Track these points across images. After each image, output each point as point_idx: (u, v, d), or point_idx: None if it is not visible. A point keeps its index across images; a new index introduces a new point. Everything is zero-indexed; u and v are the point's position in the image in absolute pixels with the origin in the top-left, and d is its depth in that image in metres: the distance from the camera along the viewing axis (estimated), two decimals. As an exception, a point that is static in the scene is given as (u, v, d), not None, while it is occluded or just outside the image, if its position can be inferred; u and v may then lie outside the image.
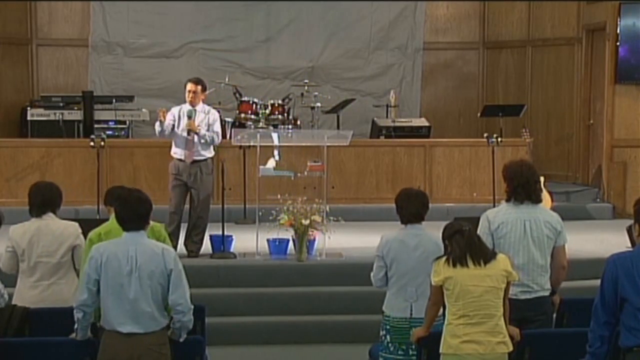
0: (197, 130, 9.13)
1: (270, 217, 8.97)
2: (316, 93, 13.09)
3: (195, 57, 14.67)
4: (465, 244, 5.32)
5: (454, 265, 5.30)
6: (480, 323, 5.26)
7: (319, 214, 8.95)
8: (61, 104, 13.26)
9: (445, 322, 5.35)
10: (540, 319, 5.98)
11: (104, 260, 5.29)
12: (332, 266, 9.10)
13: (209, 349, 6.15)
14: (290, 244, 9.20)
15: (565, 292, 6.56)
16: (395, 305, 5.97)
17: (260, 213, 9.15)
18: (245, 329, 8.48)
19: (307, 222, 8.86)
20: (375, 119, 13.65)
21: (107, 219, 6.29)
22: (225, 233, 9.25)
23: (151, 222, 5.67)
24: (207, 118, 9.26)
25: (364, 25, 14.90)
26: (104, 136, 11.31)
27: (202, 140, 9.19)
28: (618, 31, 12.32)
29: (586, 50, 13.47)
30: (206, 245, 9.39)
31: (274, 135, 9.89)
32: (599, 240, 10.27)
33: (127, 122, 13.31)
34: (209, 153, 9.33)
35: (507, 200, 6.12)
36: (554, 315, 6.29)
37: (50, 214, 6.42)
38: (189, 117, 9.17)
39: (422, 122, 13.60)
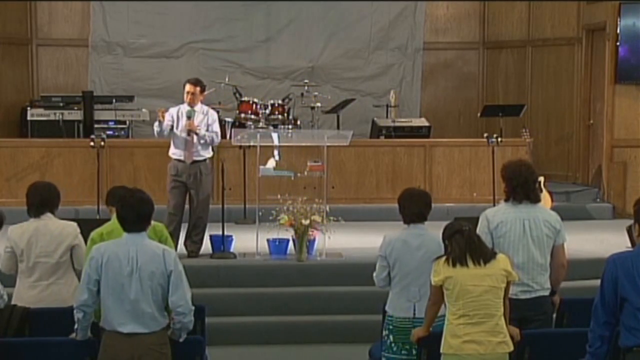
0: (197, 131, 9.13)
1: (270, 217, 8.97)
2: (316, 93, 13.08)
3: (195, 57, 14.67)
4: (465, 244, 5.33)
5: (454, 265, 5.30)
6: (480, 323, 5.26)
7: (319, 214, 8.95)
8: (61, 104, 13.26)
9: (446, 322, 5.35)
10: (540, 318, 5.98)
11: (104, 260, 5.29)
12: (332, 266, 9.10)
13: (209, 349, 6.15)
14: (290, 244, 9.20)
15: (565, 292, 6.55)
16: (398, 305, 5.96)
17: (260, 213, 9.15)
18: (245, 329, 8.48)
19: (307, 222, 8.86)
20: (375, 119, 13.65)
21: (107, 219, 6.31)
22: (225, 233, 9.25)
23: (152, 222, 5.67)
24: (206, 118, 9.25)
25: (364, 25, 14.91)
26: (104, 136, 11.31)
27: (202, 141, 9.18)
28: (618, 31, 12.32)
29: (586, 50, 13.47)
30: (206, 245, 9.39)
31: (274, 135, 9.89)
32: (599, 240, 10.27)
33: (127, 122, 13.31)
34: (208, 153, 9.33)
35: (506, 200, 6.13)
36: (554, 315, 6.30)
37: (49, 214, 6.41)
38: (189, 118, 9.17)
39: (422, 122, 13.60)
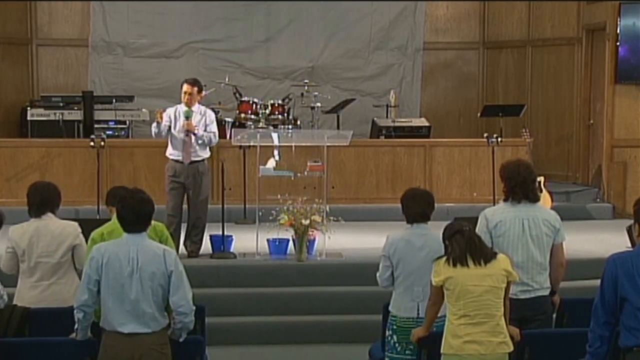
0: (195, 131, 9.12)
1: (270, 217, 8.97)
2: (316, 93, 13.09)
3: (195, 57, 14.67)
4: (466, 244, 5.33)
5: (454, 265, 5.30)
6: (481, 323, 5.26)
7: (319, 214, 8.95)
8: (61, 104, 13.26)
9: (446, 322, 5.35)
10: (539, 318, 5.98)
11: (105, 261, 5.29)
12: (332, 266, 9.10)
13: (209, 349, 6.15)
14: (290, 244, 9.20)
15: (565, 292, 6.56)
16: (402, 305, 5.96)
17: (260, 213, 9.15)
18: (245, 329, 8.47)
19: (307, 222, 8.86)
20: (375, 119, 13.65)
21: (107, 219, 6.31)
22: (225, 233, 9.25)
23: (152, 222, 5.67)
24: (204, 119, 9.23)
25: (364, 25, 14.91)
26: (104, 136, 11.32)
27: (200, 141, 9.17)
28: (618, 31, 12.31)
29: (586, 50, 13.47)
30: (206, 245, 9.39)
31: (274, 135, 9.88)
32: (599, 240, 10.27)
33: (127, 122, 13.31)
34: (206, 154, 9.32)
35: (505, 200, 6.13)
36: (554, 315, 6.30)
37: (50, 214, 6.41)
38: (187, 118, 9.15)
39: (422, 122, 13.60)
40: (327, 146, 9.78)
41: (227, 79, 13.26)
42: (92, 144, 10.81)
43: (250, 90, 13.75)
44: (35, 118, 13.05)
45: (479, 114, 13.43)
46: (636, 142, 12.47)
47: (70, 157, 11.73)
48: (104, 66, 14.60)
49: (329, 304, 8.69)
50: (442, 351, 5.34)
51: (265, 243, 9.24)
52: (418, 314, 5.88)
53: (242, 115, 12.69)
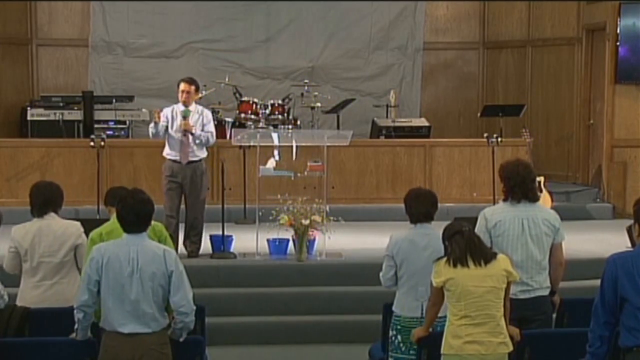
0: (193, 131, 9.11)
1: (270, 217, 8.97)
2: (316, 93, 13.09)
3: (195, 57, 14.67)
4: (466, 245, 5.33)
5: (455, 266, 5.30)
6: (482, 323, 5.26)
7: (319, 214, 8.95)
8: (61, 104, 13.26)
9: (447, 322, 5.35)
10: (539, 318, 5.98)
11: (105, 261, 5.29)
12: (332, 266, 9.10)
13: (209, 349, 6.15)
14: (290, 244, 9.20)
15: (565, 292, 6.56)
16: (406, 305, 5.95)
17: (260, 213, 9.15)
18: (245, 329, 8.48)
19: (307, 222, 8.86)
20: (375, 119, 13.65)
21: (107, 219, 6.30)
22: (225, 233, 9.25)
23: (152, 222, 5.67)
24: (201, 118, 9.22)
25: (364, 25, 14.91)
26: (104, 136, 11.32)
27: (197, 141, 9.16)
28: (618, 31, 12.31)
29: (586, 50, 13.47)
30: (206, 245, 9.39)
31: (274, 135, 9.88)
32: (599, 240, 10.26)
33: (127, 122, 13.31)
34: (203, 153, 9.31)
35: (505, 200, 6.13)
36: (554, 315, 6.30)
37: (52, 214, 6.42)
38: (184, 117, 9.14)
39: (422, 122, 13.60)
40: (327, 146, 9.78)
41: (227, 79, 13.26)
42: (92, 144, 10.81)
43: (250, 90, 13.74)
44: (35, 118, 13.05)
45: (479, 114, 13.43)
46: (636, 142, 12.47)
47: (70, 157, 11.73)
48: (104, 66, 14.60)
49: (329, 304, 8.69)
50: (442, 351, 5.34)
51: (265, 243, 9.24)
52: (422, 313, 5.87)
53: (242, 115, 12.69)
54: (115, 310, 5.27)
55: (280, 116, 12.66)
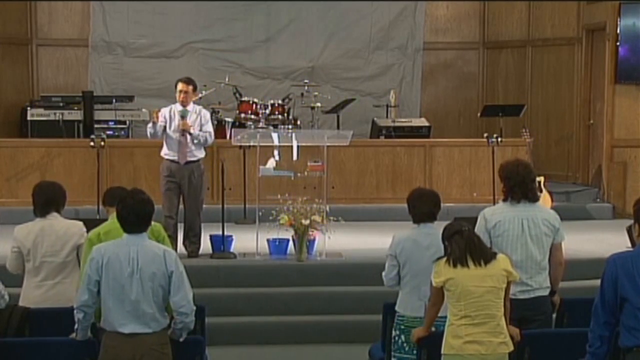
0: (191, 130, 9.10)
1: (270, 217, 8.97)
2: (316, 93, 13.09)
3: (195, 57, 14.67)
4: (465, 245, 5.33)
5: (455, 266, 5.30)
6: (482, 323, 5.26)
7: (319, 214, 8.95)
8: (61, 104, 13.26)
9: (447, 322, 5.35)
10: (539, 318, 5.98)
11: (105, 261, 5.29)
12: (332, 266, 9.10)
13: (209, 349, 6.15)
14: (290, 244, 9.20)
15: (565, 292, 6.56)
16: (410, 305, 5.95)
17: (260, 213, 9.15)
18: (245, 329, 8.48)
19: (307, 222, 8.86)
20: (375, 119, 13.65)
21: (107, 219, 6.30)
22: (225, 233, 9.25)
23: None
24: (199, 118, 9.22)
25: (364, 25, 14.90)
26: (104, 136, 11.31)
27: (196, 141, 9.15)
28: (618, 31, 12.31)
29: (586, 50, 13.47)
30: (206, 245, 9.39)
31: (274, 135, 9.88)
32: (599, 240, 10.26)
33: (127, 122, 13.31)
34: (201, 154, 9.30)
35: (504, 200, 6.13)
36: (554, 315, 6.30)
37: (54, 214, 6.43)
38: (182, 117, 9.13)
39: (422, 122, 13.60)
40: (327, 146, 9.78)
41: (227, 79, 13.26)
42: (92, 144, 10.81)
43: (250, 90, 13.74)
44: (35, 118, 13.05)
45: (479, 114, 13.43)
46: (636, 142, 12.46)
47: (70, 157, 11.73)
48: (104, 66, 14.60)
49: (329, 304, 8.69)
50: (442, 352, 5.34)
51: (265, 243, 9.24)
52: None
53: (242, 115, 12.69)
54: (116, 310, 5.27)
55: (280, 116, 12.66)
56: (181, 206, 9.28)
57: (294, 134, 9.82)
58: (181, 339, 5.44)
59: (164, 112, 9.21)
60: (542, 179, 10.45)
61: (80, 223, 6.49)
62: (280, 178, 10.10)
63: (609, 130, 12.57)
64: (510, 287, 5.49)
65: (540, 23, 14.31)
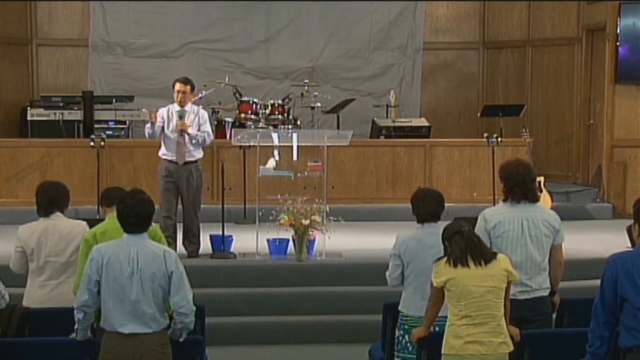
0: (189, 131, 9.09)
1: (270, 217, 8.97)
2: (316, 93, 13.08)
3: (195, 57, 14.67)
4: (465, 245, 5.33)
5: (455, 266, 5.30)
6: (483, 323, 5.26)
7: (319, 214, 8.95)
8: (61, 104, 13.27)
9: (448, 322, 5.35)
10: (539, 319, 5.98)
11: (105, 261, 5.29)
12: (332, 266, 9.10)
13: (209, 349, 6.15)
14: (290, 244, 9.20)
15: (565, 292, 6.56)
16: (413, 304, 5.95)
17: (260, 213, 9.15)
18: (245, 329, 8.48)
19: (307, 222, 8.86)
20: (375, 119, 13.64)
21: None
22: (225, 233, 9.25)
23: (150, 222, 5.68)
24: (197, 118, 9.21)
25: (364, 25, 14.90)
26: (104, 136, 11.32)
27: (194, 141, 9.15)
28: (618, 31, 12.31)
29: (586, 50, 13.47)
30: (206, 245, 9.39)
31: (274, 135, 9.88)
32: (599, 240, 10.26)
33: (127, 122, 13.32)
34: (199, 154, 9.30)
35: (504, 200, 6.13)
36: (554, 315, 6.30)
37: (58, 214, 6.44)
38: (181, 117, 9.13)
39: (422, 122, 13.60)
40: (327, 146, 9.78)
41: (227, 79, 13.26)
42: (92, 144, 10.81)
43: (250, 90, 13.74)
44: (35, 118, 13.05)
45: (479, 114, 13.42)
46: (636, 142, 12.46)
47: (70, 157, 11.73)
48: (104, 66, 14.60)
49: (329, 304, 8.69)
50: (443, 352, 5.34)
51: (265, 243, 9.24)
52: None
53: (242, 115, 12.69)
54: (116, 310, 5.27)
55: (280, 116, 12.66)
56: (179, 206, 9.27)
57: (294, 134, 9.82)
58: (181, 339, 5.44)
59: (162, 112, 9.21)
60: (542, 179, 10.45)
61: (84, 223, 6.50)
62: (280, 178, 10.10)
63: (609, 130, 12.56)
64: (510, 288, 5.49)
65: (540, 23, 14.31)
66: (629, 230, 8.80)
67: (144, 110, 13.40)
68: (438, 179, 12.14)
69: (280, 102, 12.86)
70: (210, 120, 10.02)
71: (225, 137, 12.19)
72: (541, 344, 5.73)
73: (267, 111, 12.63)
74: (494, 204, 7.64)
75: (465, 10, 15.13)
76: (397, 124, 13.30)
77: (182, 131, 9.11)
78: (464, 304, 5.26)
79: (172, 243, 8.76)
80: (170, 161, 9.15)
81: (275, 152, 9.82)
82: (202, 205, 9.41)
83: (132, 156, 11.81)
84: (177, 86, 9.18)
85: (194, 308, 5.39)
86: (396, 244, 6.07)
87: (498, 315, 5.31)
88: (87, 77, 14.57)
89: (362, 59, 14.96)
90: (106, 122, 13.23)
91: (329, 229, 9.05)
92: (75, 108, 13.22)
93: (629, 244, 8.65)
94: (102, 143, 10.84)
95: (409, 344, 5.93)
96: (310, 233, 9.01)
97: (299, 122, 12.93)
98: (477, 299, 5.26)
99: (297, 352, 8.28)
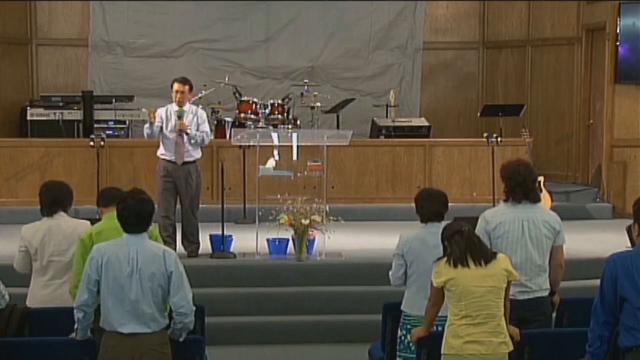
0: (188, 131, 9.09)
1: (270, 217, 8.97)
2: (316, 93, 13.08)
3: (195, 57, 14.67)
4: (466, 245, 5.33)
5: (455, 266, 5.30)
6: (483, 323, 5.26)
7: (319, 214, 8.95)
8: (61, 104, 13.27)
9: (448, 322, 5.35)
10: (539, 319, 5.98)
11: (104, 261, 5.29)
12: (332, 266, 9.10)
13: (209, 349, 6.15)
14: (290, 244, 9.20)
15: (565, 292, 6.56)
16: (416, 304, 5.94)
17: (260, 213, 9.15)
18: (245, 329, 8.48)
19: (307, 222, 8.86)
20: (375, 119, 13.64)
21: (107, 220, 6.30)
22: (225, 233, 9.25)
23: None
24: (196, 119, 9.21)
25: (364, 25, 14.91)
26: (104, 136, 11.30)
27: (193, 141, 9.14)
28: (618, 31, 12.31)
29: (586, 50, 13.47)
30: (206, 245, 9.39)
31: (274, 135, 9.88)
32: (599, 240, 10.26)
33: (127, 122, 13.32)
34: (198, 154, 9.30)
35: (506, 201, 6.13)
36: (554, 316, 6.30)
37: (62, 213, 6.45)
38: (179, 118, 9.13)
39: (422, 122, 13.60)
40: (327, 146, 9.78)
41: (227, 79, 13.27)
42: (92, 144, 10.79)
43: (250, 90, 13.74)
44: (35, 118, 13.06)
45: (479, 114, 13.42)
46: (636, 142, 12.46)
47: (70, 157, 11.73)
48: (104, 66, 14.60)
49: (329, 304, 8.69)
50: (443, 352, 5.34)
51: (265, 243, 9.24)
52: None
53: (242, 115, 12.69)
54: (115, 310, 5.27)
55: (280, 116, 12.66)
56: (178, 206, 9.27)
57: (294, 134, 9.82)
58: (181, 339, 5.44)
59: (161, 112, 9.20)
60: (542, 179, 10.45)
61: (88, 223, 6.49)
62: (280, 178, 10.10)
63: (609, 130, 12.56)
64: (510, 288, 5.49)
65: (540, 23, 14.31)
66: (629, 230, 8.80)
67: (144, 110, 13.34)
68: (438, 179, 12.14)
69: (280, 102, 12.86)
70: (209, 120, 10.02)
71: (225, 137, 12.19)
72: (541, 344, 5.73)
73: (267, 111, 12.63)
74: (494, 204, 7.66)
75: (465, 10, 15.14)
76: (397, 124, 13.30)
77: (181, 131, 9.10)
78: (465, 304, 5.26)
79: (171, 243, 8.76)
80: (169, 161, 9.14)
81: (275, 152, 9.82)
82: (202, 205, 9.42)
83: (132, 156, 11.81)
84: (176, 86, 9.18)
85: (194, 308, 5.39)
86: (400, 244, 6.07)
87: (498, 315, 5.31)
88: (87, 77, 14.57)
89: (362, 59, 14.96)
90: (106, 122, 13.24)
91: (329, 229, 9.05)
92: (75, 108, 13.22)
93: (629, 244, 8.65)
94: (102, 143, 10.82)
95: (411, 344, 5.92)
96: (310, 233, 9.01)
97: (299, 122, 12.93)
98: (478, 299, 5.26)
99: (297, 352, 8.28)
